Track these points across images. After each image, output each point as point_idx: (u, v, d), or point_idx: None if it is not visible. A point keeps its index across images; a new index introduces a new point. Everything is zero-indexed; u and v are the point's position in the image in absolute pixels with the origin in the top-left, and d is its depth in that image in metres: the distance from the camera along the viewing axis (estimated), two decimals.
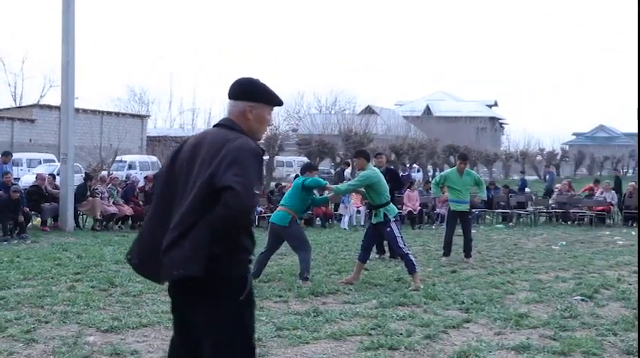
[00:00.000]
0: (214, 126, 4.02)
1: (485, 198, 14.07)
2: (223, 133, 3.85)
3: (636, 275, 11.96)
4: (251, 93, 3.99)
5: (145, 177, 23.67)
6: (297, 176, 13.99)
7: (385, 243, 13.78)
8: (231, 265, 3.74)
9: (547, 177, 41.00)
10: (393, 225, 10.53)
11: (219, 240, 3.62)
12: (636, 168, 79.70)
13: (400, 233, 10.61)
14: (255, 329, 3.97)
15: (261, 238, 11.24)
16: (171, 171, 3.95)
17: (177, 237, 3.65)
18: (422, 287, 10.11)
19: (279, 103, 4.08)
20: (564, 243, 17.39)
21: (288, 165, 53.96)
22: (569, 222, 24.16)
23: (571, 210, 24.38)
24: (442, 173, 14.97)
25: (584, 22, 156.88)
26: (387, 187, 10.77)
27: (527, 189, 31.11)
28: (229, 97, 4.03)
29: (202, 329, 3.80)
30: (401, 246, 10.50)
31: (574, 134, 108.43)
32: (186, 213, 3.67)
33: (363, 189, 10.78)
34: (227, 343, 3.76)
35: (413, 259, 10.51)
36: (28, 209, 16.75)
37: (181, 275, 3.65)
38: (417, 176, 45.01)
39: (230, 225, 3.63)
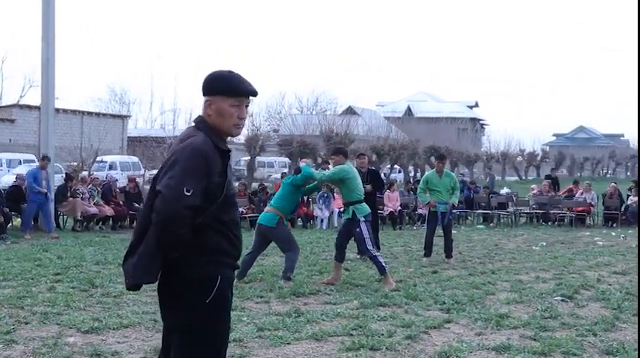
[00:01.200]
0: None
1: (456, 204, 14.03)
2: (186, 133, 3.80)
3: (616, 275, 12.06)
4: (209, 87, 3.81)
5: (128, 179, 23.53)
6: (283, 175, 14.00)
7: None
8: (196, 267, 3.64)
9: (487, 179, 40.76)
10: (363, 226, 10.48)
11: (169, 247, 3.53)
12: (615, 169, 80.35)
13: (369, 234, 10.57)
14: (227, 332, 3.86)
15: (245, 239, 11.19)
16: (158, 175, 3.84)
17: (133, 246, 3.66)
18: (393, 287, 10.12)
19: (244, 93, 3.79)
20: (545, 243, 17.47)
21: (270, 166, 53.95)
22: (549, 223, 24.28)
23: (551, 211, 24.52)
24: (423, 177, 14.99)
25: (565, 24, 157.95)
26: (361, 186, 10.72)
27: (507, 190, 31.21)
28: (203, 93, 3.90)
29: (172, 329, 3.78)
30: (369, 247, 10.47)
31: (554, 135, 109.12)
32: (141, 221, 3.70)
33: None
34: (193, 346, 3.69)
35: (382, 260, 10.50)
36: (7, 209, 16.62)
37: (133, 283, 3.67)
38: (399, 176, 45.13)
39: (161, 229, 3.49)
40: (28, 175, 17.38)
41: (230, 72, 3.85)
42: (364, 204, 10.64)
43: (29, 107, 49.57)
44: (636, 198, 23.74)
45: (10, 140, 45.88)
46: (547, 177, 29.54)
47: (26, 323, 7.58)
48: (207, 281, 3.68)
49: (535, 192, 26.21)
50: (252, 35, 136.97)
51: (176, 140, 3.80)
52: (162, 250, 3.55)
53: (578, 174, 72.07)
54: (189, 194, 3.49)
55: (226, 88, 3.78)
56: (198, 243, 3.63)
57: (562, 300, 9.48)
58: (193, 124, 3.85)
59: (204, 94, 3.82)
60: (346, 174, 10.55)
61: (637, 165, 52.94)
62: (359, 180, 10.68)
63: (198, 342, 3.70)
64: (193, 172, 3.54)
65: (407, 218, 23.15)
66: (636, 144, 59.27)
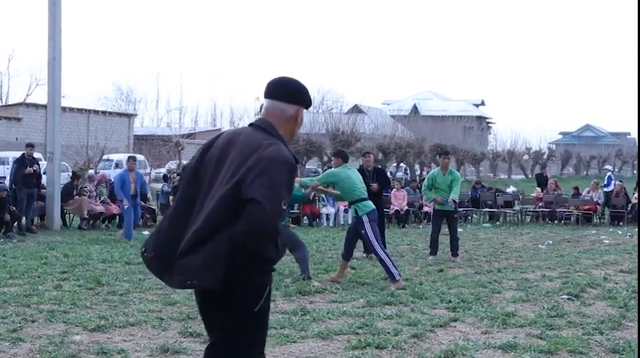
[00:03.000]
0: (250, 125, 3.83)
1: (455, 200, 13.92)
2: (258, 136, 3.66)
3: (623, 274, 12.04)
4: (304, 97, 3.84)
5: None
6: None
7: None
8: (250, 273, 3.59)
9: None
10: (368, 226, 10.39)
11: (241, 254, 3.47)
12: (621, 168, 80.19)
13: (376, 235, 10.49)
14: (264, 342, 3.84)
15: None
16: (199, 165, 3.75)
17: (195, 243, 3.48)
18: (401, 286, 10.09)
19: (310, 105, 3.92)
20: (551, 242, 17.46)
21: None
22: (555, 222, 24.27)
23: (557, 210, 24.50)
24: (428, 175, 14.98)
25: (572, 22, 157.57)
26: (359, 185, 10.58)
27: (513, 189, 31.20)
28: (273, 98, 3.81)
29: (214, 333, 3.73)
30: (378, 250, 10.39)
31: (561, 133, 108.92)
32: (209, 218, 3.50)
33: (333, 191, 10.80)
34: (235, 351, 3.66)
35: (390, 265, 10.33)
36: (14, 208, 16.66)
37: (194, 286, 3.56)
38: (404, 175, 45.08)
39: (252, 240, 3.46)
40: (116, 180, 16.75)
41: (300, 81, 3.88)
42: (367, 202, 10.54)
43: (36, 106, 49.70)
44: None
45: (16, 138, 45.98)
46: (537, 176, 30.20)
47: (33, 322, 7.60)
48: (258, 288, 3.65)
49: (538, 196, 26.12)
50: (257, 33, 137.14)
51: (248, 140, 3.66)
52: (238, 257, 3.48)
53: (585, 173, 71.93)
54: (284, 208, 3.50)
55: (308, 101, 3.87)
56: (259, 253, 3.60)
57: (568, 299, 9.46)
58: (259, 127, 3.75)
59: (290, 102, 3.79)
60: (335, 177, 10.55)
61: (638, 165, 52.86)
62: (354, 179, 10.53)
63: (240, 349, 3.67)
64: (286, 185, 3.52)
65: (413, 216, 23.14)
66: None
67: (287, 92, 3.80)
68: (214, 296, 3.59)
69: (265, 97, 3.84)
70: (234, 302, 3.60)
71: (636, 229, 20.75)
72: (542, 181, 28.27)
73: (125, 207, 16.15)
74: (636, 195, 24.25)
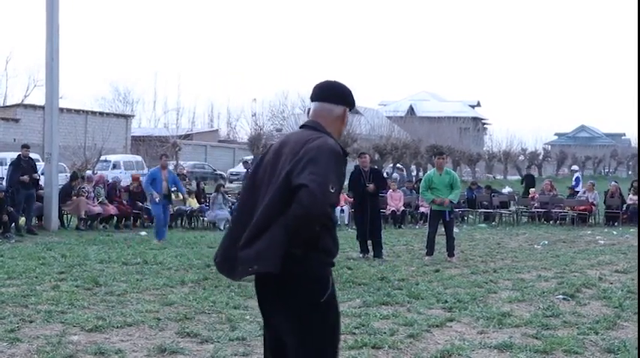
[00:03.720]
0: (300, 127, 4.01)
1: (455, 202, 13.99)
2: (307, 133, 3.86)
3: (618, 274, 12.09)
4: (349, 98, 4.04)
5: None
6: None
7: (369, 242, 13.89)
8: (313, 266, 3.70)
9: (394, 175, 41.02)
10: None
11: (299, 241, 3.59)
12: (616, 169, 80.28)
13: None
14: (340, 332, 3.92)
15: None
16: (256, 173, 3.93)
17: (254, 234, 3.64)
18: None
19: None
20: (546, 242, 17.51)
21: None
22: (551, 222, 24.33)
23: (553, 210, 24.56)
24: (424, 176, 15.03)
25: (567, 23, 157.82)
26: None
27: (509, 190, 31.29)
28: (320, 100, 4.02)
29: (285, 328, 3.78)
30: None
31: (556, 134, 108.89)
32: (264, 211, 3.66)
33: None
34: (311, 344, 3.72)
35: None
36: (11, 209, 16.67)
37: (255, 272, 3.66)
38: (400, 176, 45.06)
39: (304, 223, 3.57)
40: (147, 176, 16.52)
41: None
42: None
43: (33, 107, 49.68)
44: (636, 198, 23.78)
45: (14, 139, 45.92)
46: (525, 176, 30.98)
47: (30, 322, 7.62)
48: (319, 280, 3.74)
49: (534, 196, 26.19)
50: (255, 34, 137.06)
51: (298, 138, 3.83)
52: (294, 244, 3.59)
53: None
54: (333, 191, 3.60)
55: (353, 102, 4.08)
56: (318, 242, 3.69)
57: (564, 299, 9.51)
58: (308, 126, 3.94)
59: (337, 103, 4.01)
60: None
61: (637, 164, 52.92)
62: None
63: (317, 340, 3.73)
64: (334, 171, 3.65)
65: (409, 217, 23.18)
66: (637, 143, 59.32)
67: (334, 94, 4.03)
68: (276, 288, 3.70)
69: (312, 100, 4.05)
70: (296, 295, 3.69)
71: (632, 230, 20.84)
72: (530, 182, 28.82)
73: (157, 199, 15.58)
74: (631, 195, 24.33)
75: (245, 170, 30.04)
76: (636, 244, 16.61)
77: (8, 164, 19.36)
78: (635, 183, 25.09)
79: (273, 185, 3.72)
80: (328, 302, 3.76)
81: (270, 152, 3.94)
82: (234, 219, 4.01)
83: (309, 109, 4.09)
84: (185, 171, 27.71)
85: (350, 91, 4.06)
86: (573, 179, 30.76)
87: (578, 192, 26.97)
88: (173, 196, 17.01)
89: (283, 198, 3.62)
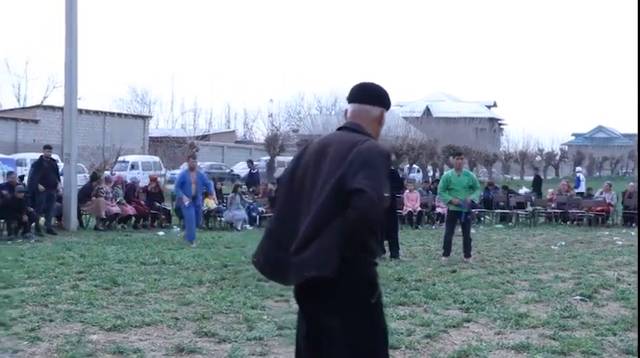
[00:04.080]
0: (339, 129, 4.01)
1: (476, 201, 13.98)
2: (352, 136, 3.85)
3: (636, 275, 12.02)
4: (386, 100, 4.07)
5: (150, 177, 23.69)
6: None
7: (385, 243, 13.88)
8: (363, 267, 3.73)
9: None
10: None
11: (351, 244, 3.61)
12: (635, 169, 79.75)
13: None
14: (388, 332, 3.96)
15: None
16: (294, 174, 3.94)
17: (308, 239, 3.64)
18: None
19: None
20: (563, 243, 17.45)
21: None
22: (568, 223, 24.23)
23: (570, 211, 24.46)
24: (442, 177, 15.03)
25: (584, 23, 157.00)
26: None
27: (526, 190, 31.20)
28: (358, 101, 4.03)
29: (335, 331, 3.76)
30: None
31: (573, 134, 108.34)
32: (317, 215, 3.66)
33: None
34: (362, 345, 3.73)
35: None
36: (32, 209, 16.81)
37: (312, 276, 3.63)
38: (417, 176, 45.04)
39: (361, 228, 3.61)
40: (177, 179, 16.32)
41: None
42: None
43: (53, 108, 50.04)
44: None
45: (34, 140, 46.29)
46: (535, 177, 31.61)
47: (50, 321, 7.69)
48: (370, 281, 3.78)
49: (552, 197, 26.10)
50: (271, 35, 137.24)
51: (343, 140, 3.83)
52: (348, 247, 3.61)
53: (597, 174, 71.60)
54: (386, 196, 3.65)
55: (389, 103, 4.12)
56: (366, 245, 3.74)
57: (581, 300, 9.48)
58: (349, 128, 3.94)
59: (376, 104, 4.03)
60: None
61: (637, 164, 52.58)
62: None
63: (369, 341, 3.75)
64: (385, 176, 3.70)
65: (426, 217, 23.16)
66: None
67: (372, 95, 4.05)
68: (326, 290, 3.68)
69: (350, 102, 4.07)
70: (348, 297, 3.69)
71: None
72: (538, 183, 29.15)
73: (186, 203, 15.39)
74: None
75: (249, 170, 29.93)
76: None
77: (29, 165, 19.54)
78: None
79: (324, 188, 3.70)
80: (377, 303, 3.80)
81: (310, 153, 3.92)
82: (275, 220, 3.99)
83: (346, 110, 4.11)
84: (202, 172, 27.81)
85: (387, 93, 4.09)
86: (575, 180, 31.53)
87: (582, 192, 27.57)
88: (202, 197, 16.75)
89: (336, 202, 3.63)
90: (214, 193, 18.15)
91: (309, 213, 3.71)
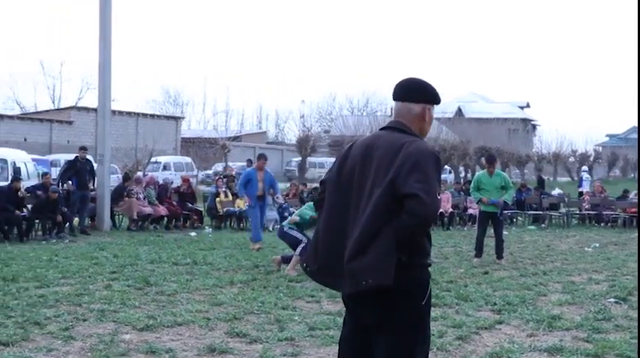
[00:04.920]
0: (383, 129, 3.95)
1: (509, 202, 13.89)
2: (397, 136, 3.79)
3: None
4: (429, 95, 3.96)
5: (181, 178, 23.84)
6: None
7: None
8: (416, 269, 3.71)
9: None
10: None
11: (407, 247, 3.60)
12: None
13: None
14: (431, 335, 3.95)
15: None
16: (340, 175, 3.88)
17: (362, 246, 3.59)
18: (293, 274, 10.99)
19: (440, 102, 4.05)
20: (597, 245, 17.26)
21: (321, 167, 54.03)
22: (602, 224, 23.97)
23: (604, 212, 24.20)
24: (475, 177, 14.97)
25: (618, 22, 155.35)
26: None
27: (559, 191, 30.94)
28: (400, 99, 3.96)
29: (381, 329, 3.74)
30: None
31: (607, 135, 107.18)
32: (370, 220, 3.61)
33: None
34: (407, 345, 3.71)
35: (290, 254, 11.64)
36: (65, 209, 17.01)
37: (370, 286, 3.57)
38: (449, 177, 44.89)
39: (416, 232, 3.61)
40: (241, 177, 16.04)
41: (425, 81, 4.04)
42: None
43: (86, 109, 50.54)
44: None
45: (68, 141, 46.80)
46: (539, 178, 31.88)
47: (84, 320, 7.77)
48: (423, 283, 3.77)
49: (586, 198, 25.86)
50: (303, 36, 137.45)
51: (389, 141, 3.77)
52: (402, 251, 3.59)
53: (632, 176, 70.75)
54: (439, 198, 3.63)
55: (434, 98, 3.99)
56: (420, 246, 3.73)
57: (615, 302, 9.38)
58: (394, 128, 3.88)
59: (419, 101, 3.93)
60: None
61: (637, 164, 51.86)
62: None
63: (414, 343, 3.73)
64: (436, 178, 3.66)
65: (457, 218, 23.05)
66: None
67: (412, 92, 3.95)
68: (380, 293, 3.63)
69: (394, 100, 4.00)
70: (401, 299, 3.67)
71: None
72: (541, 185, 29.69)
73: (249, 202, 15.06)
74: None
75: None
76: None
77: (63, 164, 19.79)
78: None
79: (374, 192, 3.65)
80: (427, 305, 3.78)
81: (355, 154, 3.85)
82: (324, 224, 3.87)
83: (391, 109, 4.09)
84: (234, 173, 27.90)
85: (430, 87, 3.97)
86: (579, 179, 32.18)
87: (583, 191, 28.24)
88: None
89: (388, 206, 3.59)
90: (279, 193, 17.73)
91: (359, 217, 3.66)
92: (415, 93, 3.94)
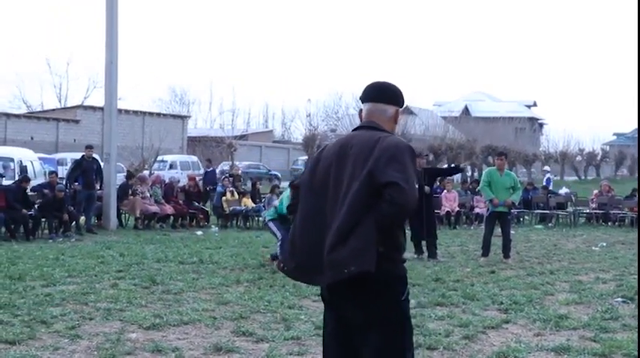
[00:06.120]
0: (356, 129, 4.03)
1: (516, 203, 13.86)
2: (371, 133, 3.89)
3: None
4: (400, 98, 4.09)
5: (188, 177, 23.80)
6: None
7: (424, 243, 13.82)
8: (394, 263, 3.79)
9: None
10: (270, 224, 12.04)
11: (384, 238, 3.67)
12: None
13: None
14: (412, 331, 4.00)
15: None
16: (313, 178, 3.94)
17: (342, 236, 3.65)
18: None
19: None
20: (604, 244, 17.21)
21: None
22: (609, 223, 23.90)
23: (611, 211, 24.12)
24: (485, 171, 14.92)
25: (624, 21, 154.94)
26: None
27: (566, 190, 30.88)
28: (372, 100, 4.07)
29: (366, 326, 3.78)
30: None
31: (615, 134, 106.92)
32: (349, 211, 3.67)
33: None
34: (394, 339, 3.77)
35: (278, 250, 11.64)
36: (72, 208, 17.03)
37: (352, 273, 3.62)
38: (455, 176, 44.86)
39: (396, 221, 3.71)
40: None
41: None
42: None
43: (93, 108, 50.71)
44: None
45: (74, 140, 46.94)
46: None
47: (90, 319, 7.78)
48: (401, 278, 3.84)
49: (594, 197, 25.79)
50: (309, 35, 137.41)
51: (364, 138, 3.86)
52: (381, 242, 3.66)
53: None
54: (417, 187, 3.71)
55: (403, 102, 4.15)
56: (396, 240, 3.81)
57: (623, 302, 9.34)
58: (368, 127, 3.97)
59: (391, 103, 4.07)
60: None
61: (638, 165, 51.69)
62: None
63: (399, 337, 3.79)
64: (413, 168, 3.75)
65: (464, 217, 23.01)
66: None
67: (386, 94, 4.08)
68: (359, 287, 3.69)
69: (365, 101, 4.10)
70: (380, 293, 3.73)
71: None
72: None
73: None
74: None
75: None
76: None
77: (70, 164, 19.88)
78: None
79: (351, 186, 3.72)
80: (405, 300, 3.83)
81: (329, 155, 3.92)
82: (299, 225, 3.91)
83: (360, 110, 4.13)
84: (240, 172, 27.88)
85: (401, 91, 4.10)
86: (544, 180, 32.18)
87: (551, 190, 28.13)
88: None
89: (366, 198, 3.66)
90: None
91: (338, 211, 3.72)
92: (388, 95, 4.07)
